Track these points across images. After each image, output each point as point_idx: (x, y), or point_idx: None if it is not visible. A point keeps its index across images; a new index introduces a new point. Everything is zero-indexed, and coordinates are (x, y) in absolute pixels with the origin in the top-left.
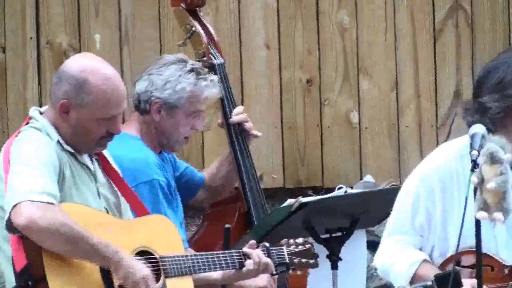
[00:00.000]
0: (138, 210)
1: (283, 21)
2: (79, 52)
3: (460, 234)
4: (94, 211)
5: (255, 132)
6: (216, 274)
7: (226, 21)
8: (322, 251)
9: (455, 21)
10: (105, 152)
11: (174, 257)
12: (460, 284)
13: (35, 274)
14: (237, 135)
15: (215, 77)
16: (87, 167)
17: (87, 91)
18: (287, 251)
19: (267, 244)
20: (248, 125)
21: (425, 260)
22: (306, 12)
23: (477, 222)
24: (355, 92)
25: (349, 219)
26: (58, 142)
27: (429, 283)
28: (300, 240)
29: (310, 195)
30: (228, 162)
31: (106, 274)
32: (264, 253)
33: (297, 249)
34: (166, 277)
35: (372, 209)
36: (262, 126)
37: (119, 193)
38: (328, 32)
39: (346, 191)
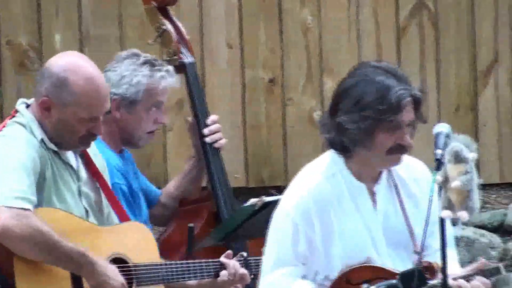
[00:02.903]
0: (117, 208)
1: (246, 20)
2: (40, 52)
3: (425, 235)
4: (71, 216)
5: (222, 142)
6: (191, 283)
7: (188, 19)
8: None
9: (419, 20)
10: (90, 149)
11: (148, 265)
12: (425, 281)
13: (5, 279)
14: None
15: (170, 67)
16: (70, 166)
17: (69, 90)
18: None
19: (245, 254)
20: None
21: None
22: (269, 11)
23: (442, 221)
24: (318, 91)
25: None
26: (42, 140)
27: (394, 281)
28: None
29: (273, 195)
30: (186, 180)
31: (77, 282)
32: (241, 263)
33: None
34: (138, 285)
35: None
36: (225, 126)
37: (101, 190)
38: (291, 31)
39: None
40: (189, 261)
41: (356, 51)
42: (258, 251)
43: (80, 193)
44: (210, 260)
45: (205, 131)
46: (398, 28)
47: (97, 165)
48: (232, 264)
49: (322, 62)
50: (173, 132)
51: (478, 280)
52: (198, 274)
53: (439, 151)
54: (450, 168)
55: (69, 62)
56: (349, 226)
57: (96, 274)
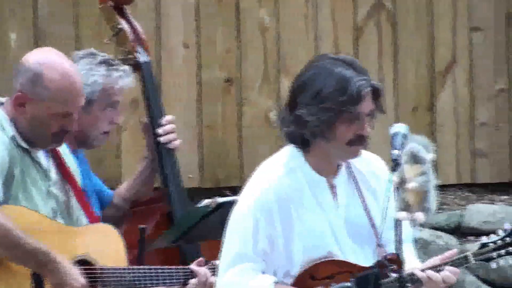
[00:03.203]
0: (87, 210)
1: (203, 19)
2: None
3: (381, 232)
4: (38, 215)
5: (177, 143)
6: None
7: (145, 19)
8: None
9: (377, 20)
10: (62, 150)
11: (114, 269)
12: (380, 285)
13: None
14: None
15: (127, 67)
16: (40, 165)
17: (44, 86)
18: None
19: (216, 262)
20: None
21: (276, 283)
22: (226, 10)
23: (397, 222)
24: (275, 91)
25: None
26: (13, 137)
27: (349, 284)
28: None
29: (227, 195)
30: (138, 182)
31: (37, 282)
32: (211, 271)
33: None
34: None
35: None
36: (180, 125)
37: (71, 192)
38: (248, 31)
39: None
40: (157, 267)
41: (314, 51)
42: (211, 253)
43: (48, 193)
44: (180, 267)
45: (159, 131)
46: (356, 28)
47: (69, 166)
48: (204, 272)
49: (280, 62)
50: (127, 132)
51: (448, 270)
52: (167, 281)
53: (395, 152)
54: (407, 169)
55: (45, 58)
56: (310, 221)
57: (58, 273)
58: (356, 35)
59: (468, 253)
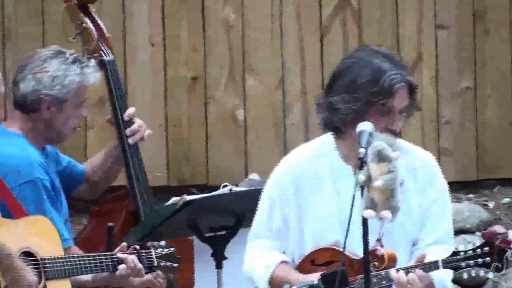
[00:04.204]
0: (12, 206)
1: (168, 17)
2: None
3: (348, 230)
4: None
5: (146, 134)
6: (86, 277)
7: (110, 17)
8: (206, 249)
9: (342, 18)
10: None
11: (55, 259)
12: (347, 282)
13: None
14: (127, 132)
15: (94, 62)
16: None
17: None
18: (155, 255)
19: (137, 247)
20: (138, 135)
21: (283, 262)
22: (191, 8)
23: (364, 221)
24: (240, 89)
25: (234, 218)
26: None
27: (316, 282)
28: (163, 243)
29: (194, 193)
30: (112, 155)
31: None
32: (137, 256)
33: (163, 252)
34: (47, 279)
35: (257, 208)
36: (146, 123)
37: None
38: (213, 29)
39: (231, 189)
40: (89, 254)
41: (279, 49)
42: (178, 251)
43: None
44: (107, 253)
45: (127, 132)
46: (321, 26)
47: None
48: (131, 258)
49: (245, 60)
50: (94, 130)
51: (416, 273)
52: (98, 268)
53: (362, 150)
54: (373, 167)
55: None
56: (322, 207)
57: (13, 270)
58: (321, 33)
59: (439, 259)
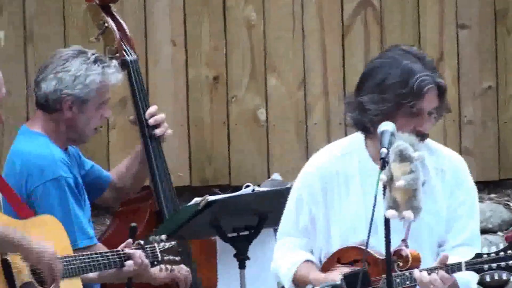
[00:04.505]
0: (18, 207)
1: (189, 17)
2: None
3: (370, 230)
4: None
5: (168, 133)
6: (93, 273)
7: (131, 17)
8: (229, 250)
9: (363, 18)
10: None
11: (65, 257)
12: (369, 282)
13: None
14: (150, 132)
15: (115, 61)
16: None
17: None
18: (159, 249)
19: (142, 242)
20: (163, 128)
21: (307, 261)
22: (213, 8)
23: (386, 221)
24: (262, 89)
25: (257, 218)
26: None
27: (338, 282)
28: (164, 237)
29: (217, 194)
30: (138, 161)
31: (6, 267)
32: (144, 253)
33: (165, 246)
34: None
35: (280, 208)
36: (168, 124)
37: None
38: (235, 28)
39: (253, 190)
40: (97, 252)
41: (301, 49)
42: (200, 251)
43: None
44: (114, 250)
45: (151, 121)
46: (343, 26)
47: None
48: (138, 254)
49: (266, 59)
50: (116, 130)
51: (438, 274)
52: (107, 265)
53: (384, 150)
54: (395, 167)
55: None
56: (350, 207)
57: (34, 248)
58: (342, 33)
59: (462, 261)
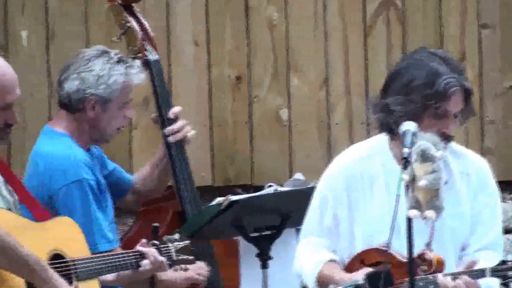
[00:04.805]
0: (34, 209)
1: (212, 17)
2: (6, 49)
3: (392, 231)
4: (9, 213)
5: (191, 134)
6: (111, 275)
7: (153, 17)
8: (251, 250)
9: (386, 17)
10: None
11: (84, 259)
12: (392, 282)
13: None
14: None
15: (138, 62)
16: None
17: None
18: (173, 248)
19: (156, 242)
20: (185, 130)
21: (331, 261)
22: (235, 8)
23: (409, 221)
24: (284, 89)
25: (279, 218)
26: None
27: (361, 281)
28: (177, 236)
29: (239, 193)
30: (160, 165)
31: None
32: (158, 251)
33: (179, 246)
34: (78, 280)
35: (302, 208)
36: (190, 124)
37: (14, 191)
38: (257, 28)
39: (275, 189)
40: (113, 253)
41: (323, 48)
42: (223, 251)
43: (1, 194)
44: (129, 250)
45: (166, 131)
46: (365, 25)
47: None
48: (152, 252)
49: (288, 59)
50: (139, 131)
51: (463, 279)
52: (123, 265)
53: (406, 150)
54: (417, 167)
55: None
56: (374, 208)
57: (49, 280)
58: (365, 33)
59: (486, 267)
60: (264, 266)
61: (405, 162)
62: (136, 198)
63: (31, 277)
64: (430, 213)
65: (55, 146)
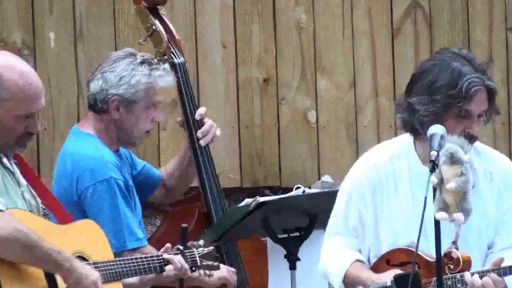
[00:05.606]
0: (58, 212)
1: (240, 19)
2: (34, 50)
3: (420, 232)
4: (34, 216)
5: (218, 134)
6: (133, 278)
7: (181, 19)
8: (280, 251)
9: (413, 19)
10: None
11: (106, 262)
12: (419, 284)
13: None
14: (198, 136)
15: (167, 65)
16: (11, 171)
17: (4, 87)
18: (198, 254)
19: (181, 247)
20: (213, 130)
21: (357, 260)
22: (263, 9)
23: (437, 223)
24: (312, 90)
25: (307, 219)
26: None
27: (389, 284)
28: (202, 242)
29: (267, 195)
30: (186, 161)
31: (52, 282)
32: (183, 257)
33: (204, 251)
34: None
35: (330, 209)
36: (218, 125)
37: (36, 195)
38: (285, 30)
39: (304, 191)
40: (137, 257)
41: (351, 50)
42: (251, 252)
43: (23, 198)
44: (154, 255)
45: (198, 134)
46: (392, 28)
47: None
48: (177, 258)
49: (316, 61)
50: (167, 132)
51: (491, 277)
52: (147, 269)
53: (434, 153)
54: (445, 170)
55: (2, 60)
56: (399, 208)
57: (74, 272)
58: (392, 35)
59: None
60: (292, 267)
61: (433, 165)
62: (165, 192)
63: (55, 269)
64: (459, 216)
65: (83, 146)
